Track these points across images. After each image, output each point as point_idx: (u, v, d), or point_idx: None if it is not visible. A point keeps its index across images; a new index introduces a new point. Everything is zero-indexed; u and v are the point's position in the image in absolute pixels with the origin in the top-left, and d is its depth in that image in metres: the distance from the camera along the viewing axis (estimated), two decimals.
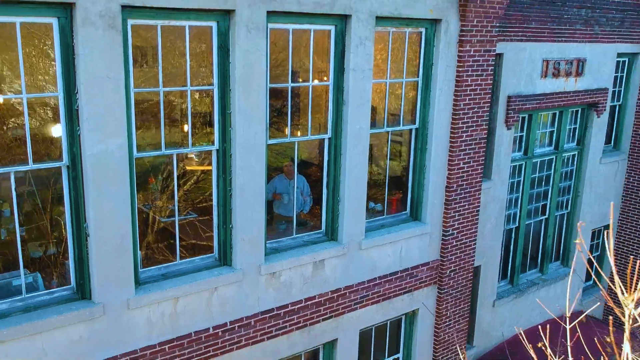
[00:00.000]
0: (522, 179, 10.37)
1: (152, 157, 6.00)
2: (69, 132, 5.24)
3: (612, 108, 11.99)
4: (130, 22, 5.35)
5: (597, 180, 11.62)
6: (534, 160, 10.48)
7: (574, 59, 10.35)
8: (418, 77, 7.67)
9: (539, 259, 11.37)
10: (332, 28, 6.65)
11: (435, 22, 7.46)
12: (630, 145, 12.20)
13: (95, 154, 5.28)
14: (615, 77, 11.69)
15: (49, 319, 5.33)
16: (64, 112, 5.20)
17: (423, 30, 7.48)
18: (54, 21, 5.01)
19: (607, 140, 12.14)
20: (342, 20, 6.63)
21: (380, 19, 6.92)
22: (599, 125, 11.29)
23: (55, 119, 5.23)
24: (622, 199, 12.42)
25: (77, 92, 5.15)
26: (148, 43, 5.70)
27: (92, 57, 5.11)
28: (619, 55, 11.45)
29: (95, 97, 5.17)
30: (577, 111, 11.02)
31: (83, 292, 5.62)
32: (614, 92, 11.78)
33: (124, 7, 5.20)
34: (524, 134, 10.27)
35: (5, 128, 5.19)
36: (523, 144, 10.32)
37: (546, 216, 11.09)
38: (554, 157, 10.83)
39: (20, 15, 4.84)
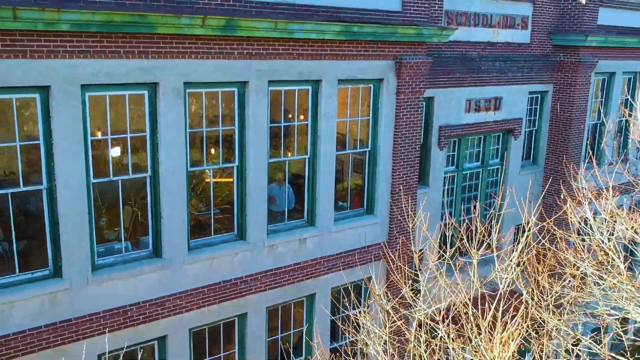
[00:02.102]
0: (454, 186, 14.05)
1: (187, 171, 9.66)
2: (152, 156, 8.91)
3: (531, 132, 15.74)
4: (187, 90, 9.05)
5: (518, 187, 15.28)
6: (464, 173, 14.18)
7: (492, 97, 14.09)
8: (369, 116, 11.38)
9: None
10: (309, 88, 10.36)
11: (379, 80, 11.18)
12: (545, 161, 15.92)
13: (167, 169, 8.94)
14: (531, 109, 15.45)
15: (138, 268, 8.97)
16: (149, 144, 8.87)
17: (372, 85, 11.20)
18: (145, 93, 8.70)
19: (528, 157, 15.88)
20: (316, 83, 10.34)
21: (341, 81, 10.64)
22: (516, 146, 15.02)
23: (144, 148, 8.89)
24: (541, 202, 16.09)
25: (157, 132, 8.82)
26: (196, 101, 9.35)
27: (166, 112, 8.79)
28: (532, 92, 15.22)
29: (168, 135, 8.84)
30: (498, 135, 14.75)
31: (157, 253, 9.26)
32: (530, 120, 15.53)
33: (185, 82, 8.90)
34: (456, 153, 13.97)
35: (117, 154, 8.79)
36: (455, 160, 14.02)
37: (476, 214, 14.74)
38: (481, 170, 14.54)
39: (129, 91, 8.54)
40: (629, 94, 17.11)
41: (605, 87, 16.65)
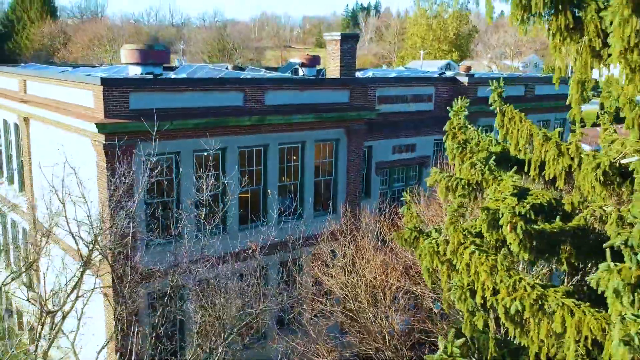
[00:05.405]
0: (386, 198, 23.28)
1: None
2: (222, 181, 18.09)
3: (437, 164, 25.05)
4: (239, 150, 18.26)
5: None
6: (392, 189, 23.43)
7: (409, 144, 23.40)
8: (332, 159, 20.64)
9: None
10: (299, 145, 19.62)
11: (337, 139, 20.47)
12: None
13: (230, 189, 18.10)
14: (437, 150, 24.80)
15: (219, 234, 18.11)
16: (220, 174, 18.04)
17: (333, 142, 20.49)
18: (220, 152, 17.89)
19: None
20: (303, 142, 19.61)
21: (316, 141, 19.91)
22: (427, 173, 24.34)
23: (218, 179, 18.03)
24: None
25: (225, 172, 18.00)
26: (242, 155, 18.52)
27: (231, 158, 17.98)
28: (436, 139, 24.55)
29: (231, 169, 18.02)
30: (414, 166, 24.06)
31: (225, 229, 18.39)
32: (436, 156, 24.85)
33: (238, 146, 18.12)
34: (387, 177, 23.23)
35: (217, 184, 17.90)
36: (387, 182, 23.27)
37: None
38: (404, 188, 23.79)
39: (200, 152, 17.75)
40: None
41: None
